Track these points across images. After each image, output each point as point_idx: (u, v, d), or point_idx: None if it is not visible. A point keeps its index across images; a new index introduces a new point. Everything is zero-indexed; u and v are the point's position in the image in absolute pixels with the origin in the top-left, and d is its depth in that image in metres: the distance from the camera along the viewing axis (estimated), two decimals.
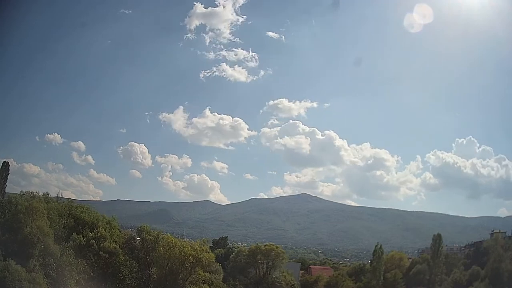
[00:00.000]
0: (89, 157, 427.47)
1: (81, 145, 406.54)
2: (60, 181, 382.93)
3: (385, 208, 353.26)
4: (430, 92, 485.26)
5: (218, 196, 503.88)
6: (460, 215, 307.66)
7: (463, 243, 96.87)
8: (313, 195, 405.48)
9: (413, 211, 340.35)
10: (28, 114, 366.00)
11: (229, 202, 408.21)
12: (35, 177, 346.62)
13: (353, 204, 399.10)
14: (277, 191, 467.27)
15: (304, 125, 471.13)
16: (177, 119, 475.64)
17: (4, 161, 58.80)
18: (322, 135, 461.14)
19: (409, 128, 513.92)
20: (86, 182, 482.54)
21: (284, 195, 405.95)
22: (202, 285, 47.94)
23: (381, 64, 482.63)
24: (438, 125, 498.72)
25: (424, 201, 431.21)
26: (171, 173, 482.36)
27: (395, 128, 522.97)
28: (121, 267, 46.69)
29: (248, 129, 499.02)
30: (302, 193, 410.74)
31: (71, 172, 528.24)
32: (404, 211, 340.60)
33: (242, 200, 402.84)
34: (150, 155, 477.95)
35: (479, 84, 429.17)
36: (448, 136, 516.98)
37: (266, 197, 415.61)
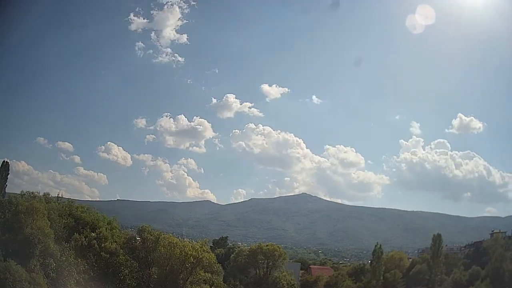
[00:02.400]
0: (76, 157, 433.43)
1: (67, 145, 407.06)
2: (50, 179, 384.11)
3: (385, 208, 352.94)
4: (430, 93, 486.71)
5: (193, 192, 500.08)
6: (461, 215, 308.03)
7: (463, 243, 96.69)
8: (313, 195, 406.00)
9: (413, 211, 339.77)
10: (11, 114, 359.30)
11: (229, 202, 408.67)
12: (26, 175, 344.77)
13: (353, 204, 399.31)
14: (249, 192, 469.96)
15: (270, 128, 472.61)
16: (140, 122, 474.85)
17: (4, 161, 58.31)
18: (285, 136, 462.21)
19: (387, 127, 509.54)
20: (78, 180, 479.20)
21: (285, 195, 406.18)
22: (203, 285, 47.93)
23: (381, 65, 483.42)
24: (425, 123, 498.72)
25: (400, 201, 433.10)
26: (147, 173, 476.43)
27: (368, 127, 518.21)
28: (122, 267, 46.75)
29: (212, 130, 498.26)
30: (302, 193, 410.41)
31: (60, 171, 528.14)
32: (404, 211, 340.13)
33: (242, 200, 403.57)
34: (129, 155, 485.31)
35: (480, 85, 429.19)
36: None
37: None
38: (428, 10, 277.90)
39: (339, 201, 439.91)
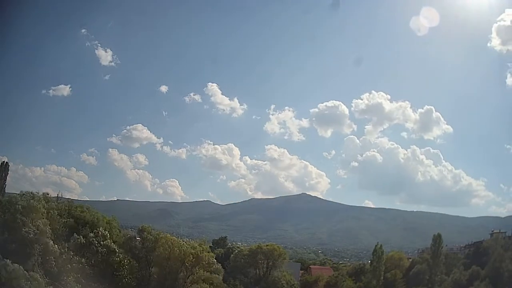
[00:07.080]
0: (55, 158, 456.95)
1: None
2: (34, 176, 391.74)
3: (385, 208, 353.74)
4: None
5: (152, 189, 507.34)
6: (460, 215, 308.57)
7: (463, 243, 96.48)
8: (313, 195, 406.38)
9: (413, 211, 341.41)
10: None
11: (229, 202, 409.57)
12: (11, 171, 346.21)
13: (353, 204, 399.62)
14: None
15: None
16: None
17: (3, 161, 58.49)
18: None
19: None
20: (65, 178, 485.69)
21: (285, 195, 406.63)
22: (202, 284, 47.94)
23: (382, 66, 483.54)
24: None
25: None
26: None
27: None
28: (121, 267, 46.65)
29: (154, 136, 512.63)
30: (302, 193, 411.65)
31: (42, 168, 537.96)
32: (404, 211, 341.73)
33: (242, 200, 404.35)
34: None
35: (481, 86, 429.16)
36: None
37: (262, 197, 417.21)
38: (432, 12, 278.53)
39: (339, 201, 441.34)
